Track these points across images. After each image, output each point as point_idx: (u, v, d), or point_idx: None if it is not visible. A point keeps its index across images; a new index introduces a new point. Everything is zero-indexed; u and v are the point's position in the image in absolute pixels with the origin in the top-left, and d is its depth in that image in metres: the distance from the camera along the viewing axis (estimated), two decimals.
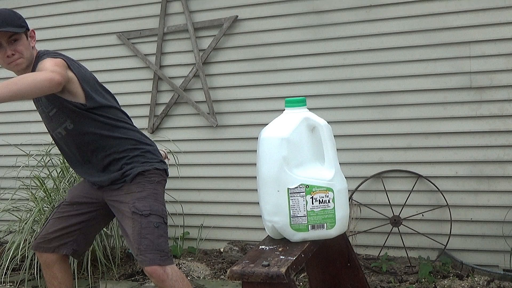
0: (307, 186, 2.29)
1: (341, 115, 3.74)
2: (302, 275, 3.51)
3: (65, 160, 3.96)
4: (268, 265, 2.11)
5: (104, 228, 3.89)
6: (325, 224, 2.33)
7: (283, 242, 2.39)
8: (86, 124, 2.45)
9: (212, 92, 4.07)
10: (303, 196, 2.29)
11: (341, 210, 2.36)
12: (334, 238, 2.43)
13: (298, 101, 2.43)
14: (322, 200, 2.31)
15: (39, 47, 4.51)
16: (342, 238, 2.64)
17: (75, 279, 3.67)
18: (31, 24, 4.54)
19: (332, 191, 2.32)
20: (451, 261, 3.54)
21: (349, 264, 2.74)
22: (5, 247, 3.74)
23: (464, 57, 3.48)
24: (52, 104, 2.45)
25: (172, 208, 3.98)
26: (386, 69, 3.65)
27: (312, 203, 2.30)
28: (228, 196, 4.12)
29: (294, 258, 2.16)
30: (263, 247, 2.36)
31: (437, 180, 3.57)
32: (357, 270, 2.74)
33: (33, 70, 2.43)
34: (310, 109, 2.48)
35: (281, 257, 2.20)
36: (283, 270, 2.04)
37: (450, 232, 3.53)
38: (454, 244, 3.57)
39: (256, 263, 2.14)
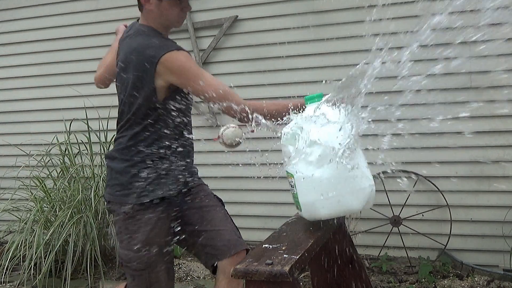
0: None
1: None
2: (303, 275, 3.52)
3: (64, 160, 3.99)
4: (272, 263, 2.10)
5: (104, 228, 3.90)
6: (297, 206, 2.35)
7: (286, 240, 2.39)
8: None
9: None
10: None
11: (304, 196, 2.33)
12: (337, 238, 2.42)
13: (317, 97, 2.44)
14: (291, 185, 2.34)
15: (38, 47, 4.58)
16: (345, 238, 2.65)
17: (75, 279, 3.67)
18: (31, 24, 4.60)
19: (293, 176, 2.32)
20: (451, 261, 3.55)
21: (352, 264, 2.74)
22: (5, 247, 3.74)
23: (464, 57, 3.49)
24: None
25: None
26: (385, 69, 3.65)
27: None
28: (228, 196, 4.09)
29: (298, 257, 2.16)
30: (266, 245, 2.36)
31: (437, 180, 3.58)
32: (360, 270, 2.74)
33: None
34: None
35: (284, 255, 2.19)
36: (286, 268, 2.04)
37: (450, 232, 3.54)
38: (454, 244, 3.58)
39: (260, 262, 2.13)
